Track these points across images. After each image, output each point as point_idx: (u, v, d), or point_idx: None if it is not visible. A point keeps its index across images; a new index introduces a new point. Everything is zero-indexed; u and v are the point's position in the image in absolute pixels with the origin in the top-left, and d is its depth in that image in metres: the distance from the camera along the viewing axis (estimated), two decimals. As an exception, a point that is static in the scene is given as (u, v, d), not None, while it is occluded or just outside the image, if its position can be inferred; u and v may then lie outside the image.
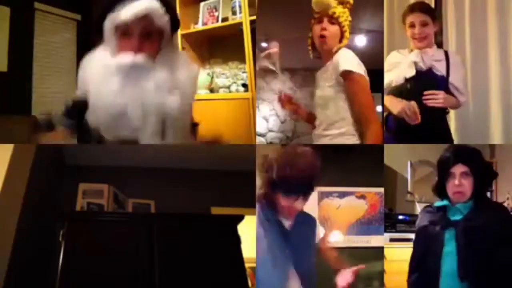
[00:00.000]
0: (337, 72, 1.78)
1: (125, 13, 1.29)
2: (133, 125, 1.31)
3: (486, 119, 2.42)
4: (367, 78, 1.81)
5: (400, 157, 2.72)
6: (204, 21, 3.34)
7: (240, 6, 2.96)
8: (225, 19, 3.19)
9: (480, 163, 1.49)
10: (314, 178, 1.39)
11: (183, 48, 3.36)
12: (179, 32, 3.33)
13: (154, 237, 2.00)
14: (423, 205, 2.41)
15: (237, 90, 3.20)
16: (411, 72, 2.01)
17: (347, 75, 1.76)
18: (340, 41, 1.89)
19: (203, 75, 3.34)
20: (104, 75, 1.32)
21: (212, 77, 3.39)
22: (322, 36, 1.86)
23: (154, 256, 1.94)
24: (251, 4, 2.80)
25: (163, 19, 1.34)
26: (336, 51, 1.86)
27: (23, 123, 3.47)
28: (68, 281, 1.74)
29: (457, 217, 1.47)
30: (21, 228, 1.77)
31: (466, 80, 2.13)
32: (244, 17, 2.86)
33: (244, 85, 3.15)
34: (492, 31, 2.44)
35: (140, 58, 1.32)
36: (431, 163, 2.76)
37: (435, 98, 1.93)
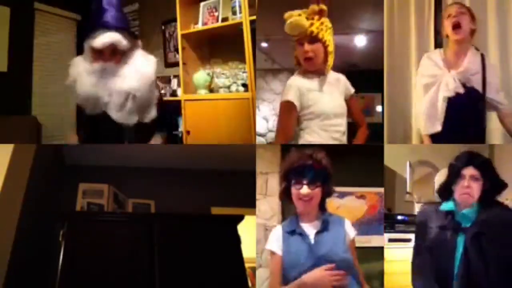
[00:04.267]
0: (348, 92, 2.01)
1: (96, 42, 1.96)
2: (103, 102, 1.98)
3: (486, 119, 2.42)
4: None
5: (399, 158, 2.72)
6: (204, 21, 3.34)
7: (240, 6, 2.96)
8: (225, 19, 3.19)
9: (491, 171, 1.53)
10: (320, 167, 1.47)
11: (183, 48, 3.37)
12: (179, 32, 3.34)
13: (154, 237, 2.01)
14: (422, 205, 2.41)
15: (237, 90, 3.20)
16: (449, 93, 2.02)
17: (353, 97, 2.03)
18: (326, 57, 1.88)
19: (203, 75, 3.34)
20: (85, 72, 2.01)
21: (212, 77, 3.39)
22: (308, 58, 1.85)
23: (154, 256, 1.95)
24: (251, 4, 2.80)
25: (123, 45, 1.99)
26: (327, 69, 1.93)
27: (23, 123, 3.48)
28: (68, 281, 1.75)
29: (467, 223, 1.48)
30: (21, 228, 1.77)
31: (499, 84, 2.11)
32: (244, 17, 2.85)
33: (244, 85, 3.15)
34: (492, 31, 2.44)
35: (107, 65, 1.98)
36: (430, 164, 2.76)
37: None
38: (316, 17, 1.83)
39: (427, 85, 2.09)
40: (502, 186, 1.56)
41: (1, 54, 3.53)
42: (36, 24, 3.95)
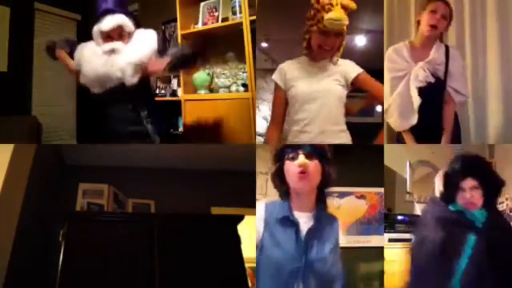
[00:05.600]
0: (352, 74, 1.92)
1: (104, 25, 2.20)
2: (116, 77, 2.20)
3: (485, 119, 2.42)
4: None
5: (399, 157, 2.72)
6: (204, 21, 3.34)
7: (240, 6, 2.96)
8: (225, 19, 3.19)
9: (488, 174, 1.55)
10: (317, 146, 1.41)
11: (183, 48, 3.37)
12: (179, 32, 3.35)
13: (154, 237, 2.01)
14: (422, 205, 2.41)
15: (237, 90, 3.20)
16: (421, 84, 2.02)
17: (359, 77, 1.93)
18: (338, 49, 1.90)
19: (203, 75, 3.34)
20: (94, 55, 2.24)
21: (212, 77, 3.39)
22: (325, 49, 1.87)
23: (154, 256, 1.95)
24: (251, 4, 2.80)
25: (129, 26, 2.25)
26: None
27: (23, 123, 3.48)
28: (68, 281, 1.75)
29: (478, 223, 1.49)
30: (21, 228, 1.77)
31: (465, 76, 2.15)
32: (244, 17, 2.86)
33: (244, 85, 3.15)
34: (492, 31, 2.44)
35: (116, 44, 2.21)
36: (430, 164, 2.76)
37: None
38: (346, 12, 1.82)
39: (395, 79, 2.07)
40: (501, 184, 1.57)
41: (1, 54, 3.53)
42: (36, 24, 3.95)
